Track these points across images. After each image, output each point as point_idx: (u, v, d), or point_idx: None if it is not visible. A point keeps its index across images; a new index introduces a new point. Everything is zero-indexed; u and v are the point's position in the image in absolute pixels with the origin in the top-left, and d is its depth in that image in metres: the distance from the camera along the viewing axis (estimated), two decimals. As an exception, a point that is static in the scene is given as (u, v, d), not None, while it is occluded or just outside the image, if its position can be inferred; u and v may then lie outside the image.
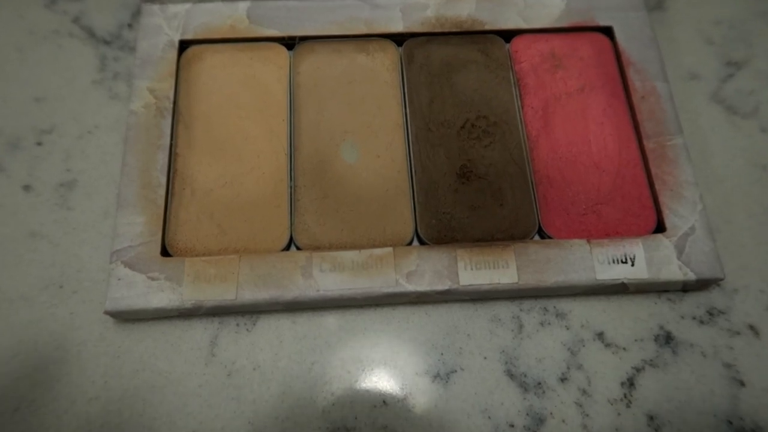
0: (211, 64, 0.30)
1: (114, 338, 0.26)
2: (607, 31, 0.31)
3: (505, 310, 0.27)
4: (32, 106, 0.30)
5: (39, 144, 0.29)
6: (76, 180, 0.29)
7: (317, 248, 0.26)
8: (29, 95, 0.31)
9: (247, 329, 0.26)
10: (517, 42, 0.31)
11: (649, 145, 0.28)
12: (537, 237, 0.27)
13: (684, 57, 0.33)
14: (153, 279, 0.25)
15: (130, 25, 0.33)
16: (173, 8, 0.31)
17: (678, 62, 0.32)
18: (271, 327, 0.26)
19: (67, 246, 0.27)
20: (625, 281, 0.26)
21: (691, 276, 0.26)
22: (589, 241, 0.26)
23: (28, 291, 0.27)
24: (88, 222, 0.28)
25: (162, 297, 0.25)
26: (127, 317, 0.26)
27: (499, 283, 0.26)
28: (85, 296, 0.26)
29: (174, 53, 0.30)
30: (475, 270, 0.26)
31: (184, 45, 0.30)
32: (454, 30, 0.31)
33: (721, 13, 0.34)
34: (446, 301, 0.27)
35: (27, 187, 0.29)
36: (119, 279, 0.25)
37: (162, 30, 0.30)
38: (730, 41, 0.33)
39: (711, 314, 0.27)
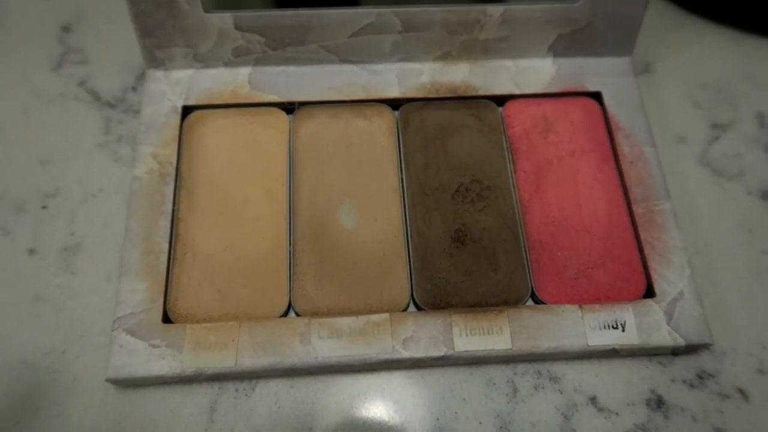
0: (213, 128, 0.31)
1: (115, 404, 0.26)
2: (597, 96, 0.32)
3: (499, 373, 0.27)
4: (37, 169, 0.31)
5: (44, 207, 0.30)
6: (80, 244, 0.29)
7: (315, 314, 0.27)
8: (34, 158, 0.31)
9: (246, 394, 0.26)
10: (510, 107, 0.32)
11: (638, 209, 0.29)
12: (530, 301, 0.28)
13: (671, 120, 0.34)
14: (154, 346, 0.26)
15: (134, 88, 0.34)
16: (177, 74, 0.32)
17: (666, 125, 0.33)
18: (270, 392, 0.27)
19: (70, 311, 0.28)
20: (616, 347, 0.26)
21: (681, 342, 0.27)
22: (580, 307, 0.27)
23: (30, 356, 0.27)
24: (91, 286, 0.28)
25: (163, 365, 0.25)
26: (128, 384, 0.26)
27: (493, 349, 0.26)
28: (88, 362, 0.27)
29: (177, 118, 0.31)
30: (470, 336, 0.26)
31: (187, 110, 0.31)
32: (448, 95, 0.32)
33: (707, 76, 0.35)
34: (442, 366, 0.27)
35: (31, 251, 0.29)
36: (121, 346, 0.26)
37: (165, 96, 0.31)
38: (716, 104, 0.34)
39: (701, 377, 0.28)
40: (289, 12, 0.30)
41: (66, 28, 0.35)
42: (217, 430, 0.26)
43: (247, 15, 0.30)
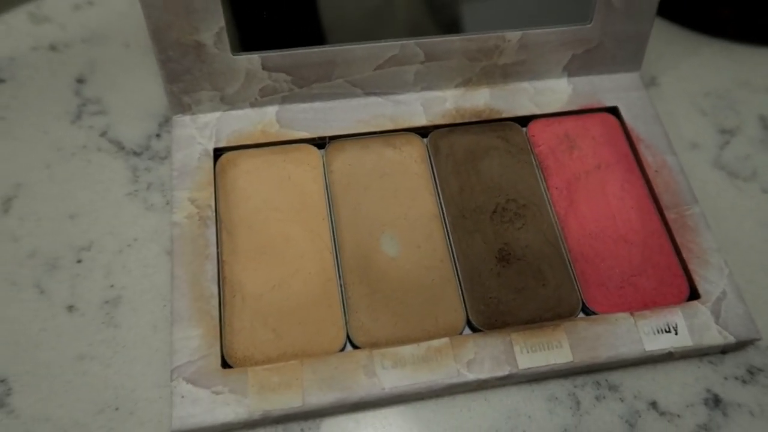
0: (246, 169, 0.31)
1: (178, 458, 0.25)
2: (614, 111, 0.34)
3: (560, 388, 0.28)
4: (67, 223, 0.30)
5: (79, 261, 0.29)
6: (120, 296, 0.29)
7: (375, 345, 0.27)
8: (63, 212, 0.31)
9: (313, 434, 0.26)
10: (533, 126, 0.33)
11: (670, 215, 0.30)
12: (581, 314, 0.28)
13: (682, 128, 0.35)
14: (217, 393, 0.25)
15: (158, 135, 0.33)
16: (204, 117, 0.32)
17: (678, 133, 0.35)
18: (336, 430, 0.26)
19: (118, 366, 0.27)
20: (672, 350, 0.27)
21: (731, 339, 0.27)
22: (632, 314, 0.28)
23: (82, 417, 0.26)
24: (137, 339, 0.28)
25: (229, 411, 0.25)
26: (193, 436, 0.25)
27: (555, 364, 0.26)
28: (143, 416, 0.26)
29: (210, 162, 0.30)
30: (531, 353, 0.27)
31: (218, 153, 0.31)
32: (473, 119, 0.33)
33: (707, 85, 0.37)
34: (504, 385, 0.27)
35: (71, 308, 0.28)
36: (183, 396, 0.25)
37: (195, 140, 0.31)
38: (720, 110, 0.36)
39: (751, 373, 0.28)
40: (316, 49, 0.31)
41: (80, 80, 0.35)
42: (287, 474, 0.25)
43: (275, 55, 0.30)
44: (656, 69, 0.37)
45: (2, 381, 0.27)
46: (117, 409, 0.26)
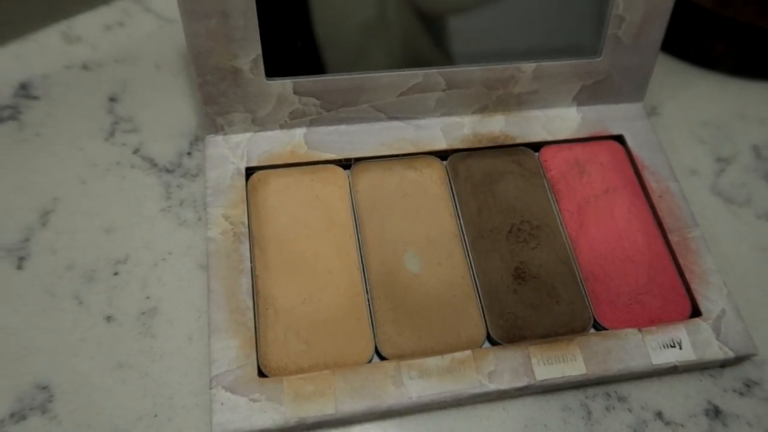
0: (276, 187, 0.33)
1: (216, 463, 0.26)
2: (620, 139, 0.36)
3: (573, 398, 0.29)
4: (103, 237, 0.32)
5: (115, 274, 0.31)
6: (156, 307, 0.30)
7: (401, 356, 0.28)
8: (99, 226, 0.32)
9: (343, 441, 0.27)
10: (545, 152, 0.35)
11: (673, 238, 0.33)
12: (593, 329, 0.30)
13: (682, 156, 0.38)
14: (254, 401, 0.26)
15: (189, 153, 0.35)
16: (235, 138, 0.33)
17: (678, 161, 0.37)
18: (365, 437, 0.28)
19: (155, 374, 0.28)
20: (677, 364, 0.29)
21: (731, 354, 0.29)
22: (640, 330, 0.30)
23: (122, 424, 0.27)
24: (174, 349, 0.29)
25: (266, 418, 0.26)
26: (231, 441, 0.27)
27: (570, 376, 0.28)
28: (181, 423, 0.27)
29: (242, 180, 0.32)
30: (548, 365, 0.28)
31: (249, 172, 0.33)
32: (490, 144, 0.35)
33: (705, 115, 0.39)
34: (521, 396, 0.29)
35: (109, 318, 0.30)
36: (222, 404, 0.26)
37: (228, 159, 0.33)
38: (717, 140, 0.38)
39: (748, 386, 0.30)
40: (345, 76, 0.32)
41: (113, 99, 0.36)
42: (319, 479, 0.27)
43: (306, 80, 0.32)
44: (657, 99, 0.40)
45: (44, 388, 0.28)
46: (156, 416, 0.27)
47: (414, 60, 0.33)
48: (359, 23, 0.32)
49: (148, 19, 0.40)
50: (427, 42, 0.33)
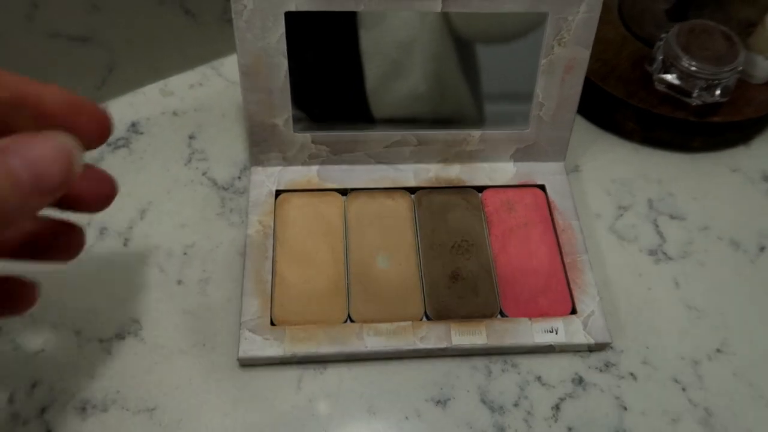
0: (295, 205, 0.48)
1: (237, 375, 0.41)
2: (542, 188, 0.50)
3: (479, 362, 0.43)
4: (179, 230, 0.48)
5: (185, 254, 0.47)
6: (209, 277, 0.46)
7: (365, 321, 0.43)
8: (177, 223, 0.48)
9: (321, 372, 0.42)
10: (486, 194, 0.50)
11: (567, 260, 0.46)
12: (499, 316, 0.44)
13: (591, 202, 0.51)
14: (266, 339, 0.41)
15: (239, 177, 0.51)
16: (271, 169, 0.49)
17: (588, 206, 0.51)
18: (335, 371, 0.42)
19: (206, 319, 0.44)
20: (552, 344, 0.43)
21: (591, 341, 0.43)
22: (530, 319, 0.43)
23: (183, 345, 0.43)
24: (219, 304, 0.44)
25: (272, 350, 0.41)
26: (250, 363, 0.42)
27: (475, 344, 0.42)
28: (221, 350, 0.42)
29: (272, 198, 0.48)
30: (461, 336, 0.42)
31: (278, 193, 0.48)
32: (447, 185, 0.49)
33: (616, 174, 0.53)
34: (444, 356, 0.43)
35: (179, 282, 0.45)
36: (246, 339, 0.41)
37: (264, 183, 0.48)
38: (621, 193, 0.52)
39: (606, 365, 0.44)
40: (348, 133, 0.48)
41: (192, 137, 0.53)
42: (302, 394, 0.41)
43: (321, 134, 0.48)
44: (581, 160, 0.53)
45: (136, 321, 0.43)
46: (204, 345, 0.43)
47: (397, 123, 0.48)
48: (360, 100, 0.48)
49: (219, 81, 0.57)
50: (407, 113, 0.49)
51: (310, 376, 0.42)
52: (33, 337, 0.42)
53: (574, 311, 0.44)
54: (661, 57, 0.52)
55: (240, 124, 0.54)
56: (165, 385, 0.41)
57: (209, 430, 0.39)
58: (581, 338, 0.43)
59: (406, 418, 0.41)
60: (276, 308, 0.43)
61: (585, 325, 0.43)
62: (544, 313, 0.44)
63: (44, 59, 0.49)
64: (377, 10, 0.43)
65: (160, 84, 0.56)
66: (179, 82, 0.56)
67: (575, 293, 0.45)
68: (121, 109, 0.54)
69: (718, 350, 0.44)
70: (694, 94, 0.50)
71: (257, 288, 0.44)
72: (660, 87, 0.52)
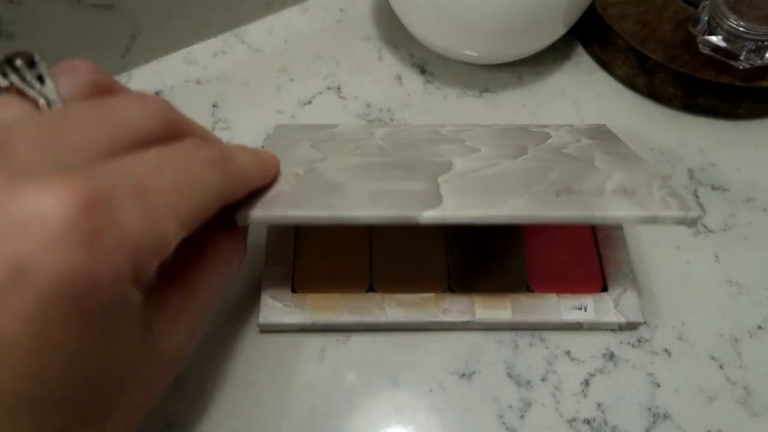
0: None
1: (260, 343, 0.41)
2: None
3: (506, 335, 0.42)
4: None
5: (208, 223, 0.46)
6: (232, 246, 0.45)
7: (387, 291, 0.42)
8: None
9: (344, 342, 0.41)
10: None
11: (600, 235, 0.44)
12: (526, 291, 0.43)
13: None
14: (287, 306, 0.41)
15: (262, 146, 0.50)
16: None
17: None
18: (359, 341, 0.41)
19: (229, 285, 0.43)
20: (581, 321, 0.41)
21: (623, 320, 0.41)
22: (558, 295, 0.42)
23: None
24: (241, 270, 0.44)
25: (293, 318, 0.40)
26: (270, 329, 0.41)
27: (499, 319, 0.41)
28: (243, 317, 0.42)
29: (295, 167, 0.47)
30: (485, 309, 0.41)
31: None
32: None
33: (653, 143, 0.50)
34: (467, 329, 0.42)
35: (202, 250, 0.45)
36: (267, 305, 0.41)
37: (287, 152, 0.47)
38: (659, 162, 0.49)
39: (639, 341, 0.42)
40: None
41: (215, 105, 0.52)
42: (326, 365, 0.41)
43: (344, 101, 0.46)
44: (617, 128, 0.51)
45: (160, 289, 0.43)
46: (226, 312, 0.43)
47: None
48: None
49: (242, 48, 0.56)
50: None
51: (332, 345, 0.41)
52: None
53: (605, 288, 0.42)
54: (706, 17, 0.48)
55: (264, 92, 0.53)
56: (187, 352, 0.41)
57: (232, 397, 0.39)
58: (612, 317, 0.41)
59: (430, 390, 0.40)
60: (298, 276, 0.43)
61: (616, 303, 0.42)
62: (573, 290, 0.42)
63: (67, 28, 0.49)
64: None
65: (184, 52, 0.55)
66: (202, 50, 0.56)
67: (607, 270, 0.43)
68: (145, 78, 0.54)
69: (760, 327, 0.42)
70: (742, 57, 0.47)
71: (279, 255, 0.43)
72: (704, 50, 0.49)
